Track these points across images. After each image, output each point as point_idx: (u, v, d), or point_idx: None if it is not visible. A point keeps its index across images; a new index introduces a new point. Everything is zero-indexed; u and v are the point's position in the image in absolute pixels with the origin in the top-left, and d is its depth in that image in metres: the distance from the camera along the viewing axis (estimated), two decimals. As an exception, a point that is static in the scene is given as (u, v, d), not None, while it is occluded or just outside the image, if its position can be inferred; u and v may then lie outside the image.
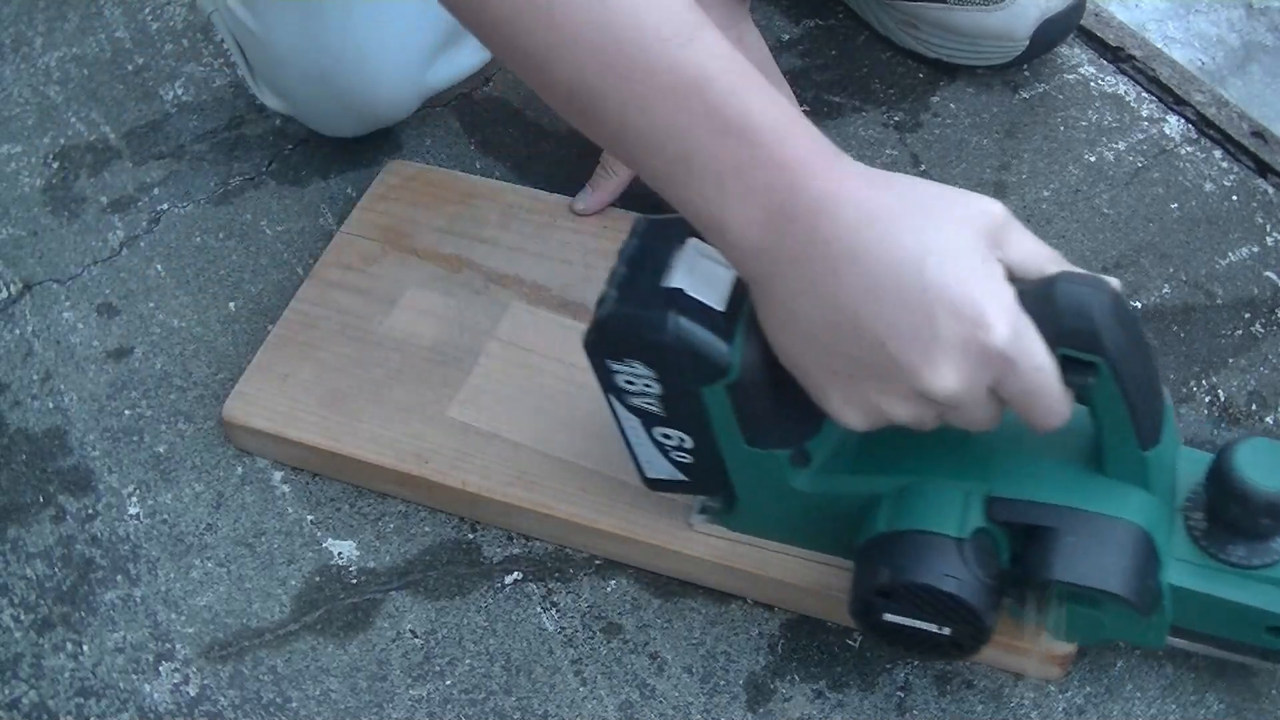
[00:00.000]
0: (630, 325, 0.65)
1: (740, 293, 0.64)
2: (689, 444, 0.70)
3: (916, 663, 0.75)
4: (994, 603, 0.66)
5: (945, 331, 0.57)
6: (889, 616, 0.67)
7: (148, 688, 0.76)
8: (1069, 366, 0.60)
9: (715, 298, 0.64)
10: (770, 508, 0.72)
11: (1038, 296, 0.59)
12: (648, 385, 0.67)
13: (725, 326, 0.64)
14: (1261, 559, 0.66)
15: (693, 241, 0.65)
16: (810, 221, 0.58)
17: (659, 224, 0.67)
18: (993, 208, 0.61)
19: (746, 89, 0.59)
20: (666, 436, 0.70)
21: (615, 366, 0.67)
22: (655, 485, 0.74)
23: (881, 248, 0.58)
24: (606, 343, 0.66)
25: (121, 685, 0.76)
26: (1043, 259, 0.61)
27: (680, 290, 0.64)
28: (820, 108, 1.04)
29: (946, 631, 0.67)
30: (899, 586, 0.65)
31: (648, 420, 0.69)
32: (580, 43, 0.59)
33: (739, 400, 0.66)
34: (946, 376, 0.58)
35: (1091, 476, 0.65)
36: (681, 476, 0.72)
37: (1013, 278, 0.60)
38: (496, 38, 0.62)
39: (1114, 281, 0.61)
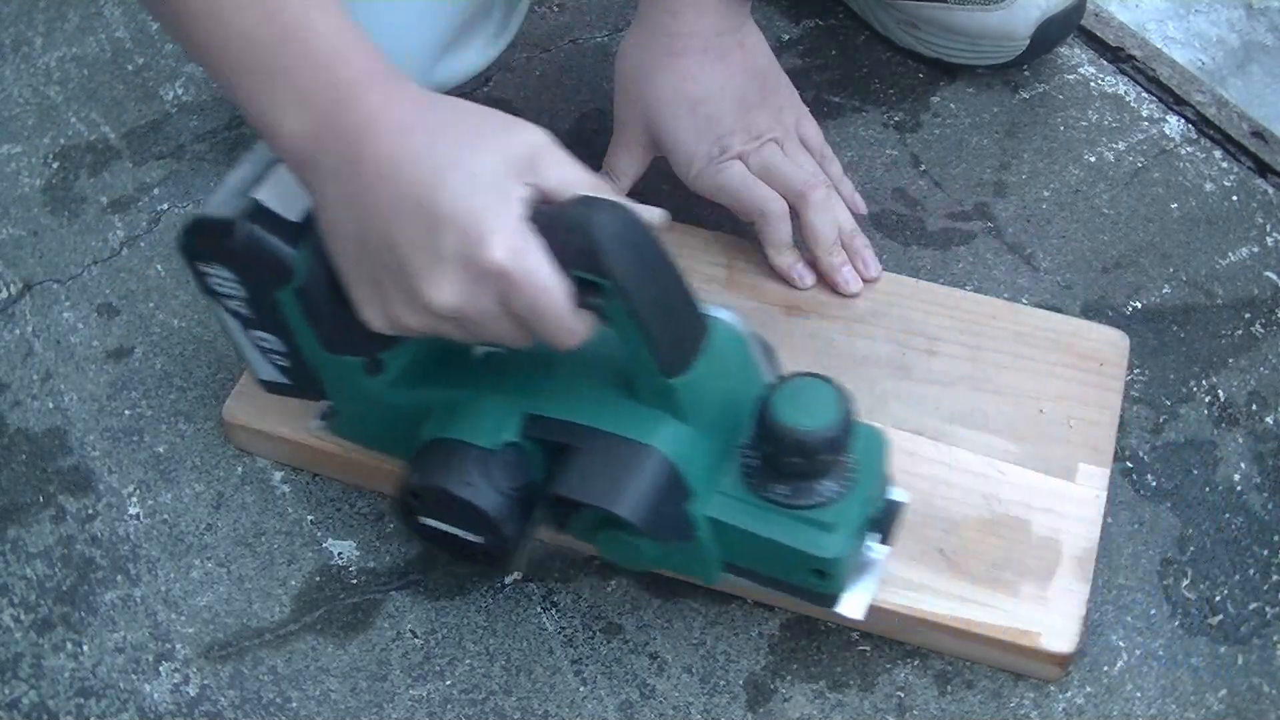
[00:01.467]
0: (209, 229, 0.69)
1: None
2: (281, 347, 0.73)
3: (915, 662, 0.75)
4: (515, 514, 0.68)
5: (447, 247, 0.60)
6: (425, 520, 0.70)
7: (148, 688, 0.76)
8: (583, 289, 0.61)
9: (293, 211, 0.67)
10: (361, 415, 0.76)
11: (551, 218, 0.61)
12: (234, 288, 0.70)
13: (294, 235, 0.67)
14: (806, 500, 0.66)
15: None
16: (354, 138, 0.61)
17: None
18: (532, 136, 0.63)
19: (314, 7, 0.63)
20: (263, 340, 0.73)
21: (204, 269, 0.70)
22: (268, 388, 0.77)
23: (410, 165, 0.61)
24: (192, 245, 0.70)
25: (121, 685, 0.76)
26: (576, 186, 0.63)
27: (259, 201, 0.68)
28: (820, 108, 1.04)
29: (477, 539, 0.69)
30: (424, 489, 0.68)
31: (243, 323, 0.72)
32: None
33: (309, 305, 0.69)
34: (444, 289, 0.61)
35: (623, 401, 0.67)
36: (285, 380, 0.75)
37: (547, 203, 0.62)
38: None
39: (653, 212, 0.64)
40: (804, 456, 0.65)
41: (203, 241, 0.69)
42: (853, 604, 0.69)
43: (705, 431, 0.67)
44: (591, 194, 0.63)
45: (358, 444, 0.79)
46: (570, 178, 0.63)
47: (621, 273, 0.61)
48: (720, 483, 0.67)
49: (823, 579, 0.67)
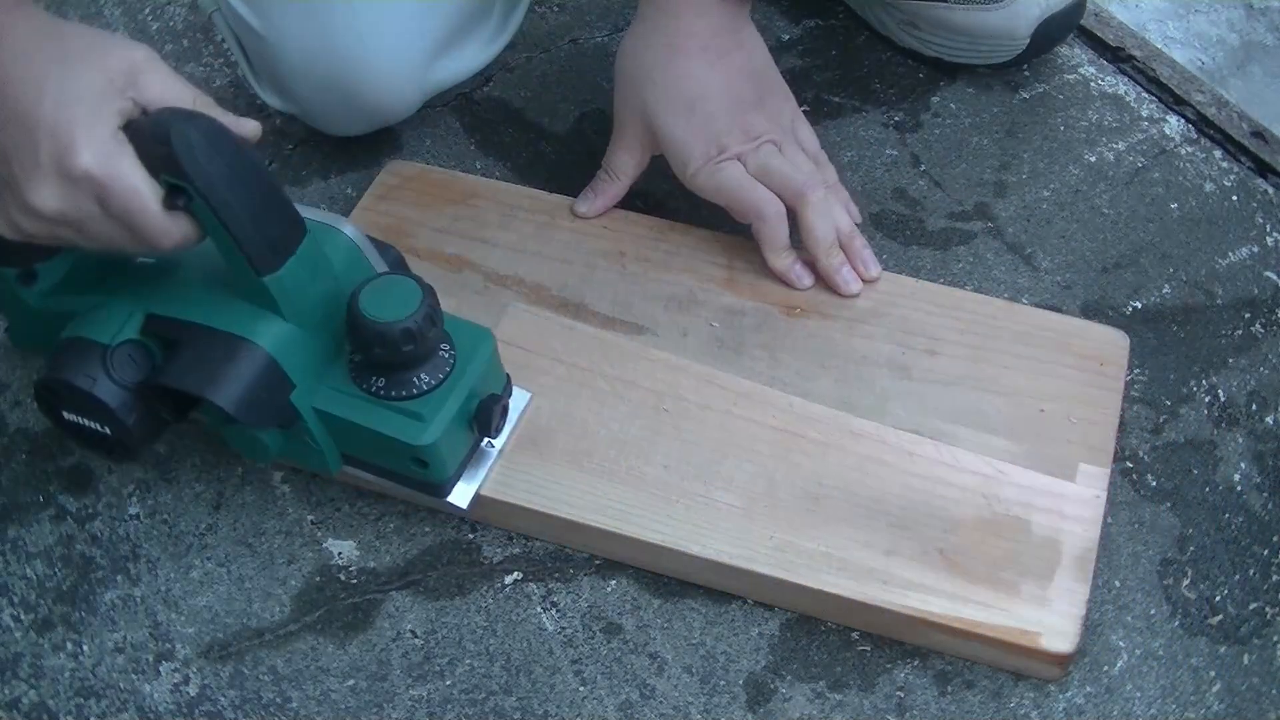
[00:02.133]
0: None
1: None
2: None
3: (915, 662, 0.75)
4: (133, 405, 0.72)
5: (43, 155, 0.65)
6: (66, 414, 0.74)
7: (148, 688, 0.76)
8: (173, 193, 0.67)
9: None
10: (24, 323, 0.80)
11: (141, 128, 0.66)
12: None
13: None
14: (400, 391, 0.72)
15: None
16: None
17: None
18: (132, 53, 0.68)
19: None
20: None
21: None
22: None
23: (19, 84, 0.65)
24: None
25: (121, 685, 0.76)
26: (174, 100, 0.68)
27: None
28: (820, 108, 1.04)
29: (107, 430, 0.73)
30: (52, 382, 0.73)
31: None
32: None
33: None
34: (43, 194, 0.66)
35: (228, 299, 0.72)
36: None
37: (146, 115, 0.67)
38: None
39: (240, 123, 0.70)
40: (385, 348, 0.70)
41: None
42: (461, 493, 0.76)
43: (310, 329, 0.72)
44: (184, 106, 0.67)
45: (32, 350, 0.84)
46: (167, 92, 0.68)
47: (201, 177, 0.66)
48: (328, 376, 0.73)
49: (424, 467, 0.73)
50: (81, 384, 0.71)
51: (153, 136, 0.66)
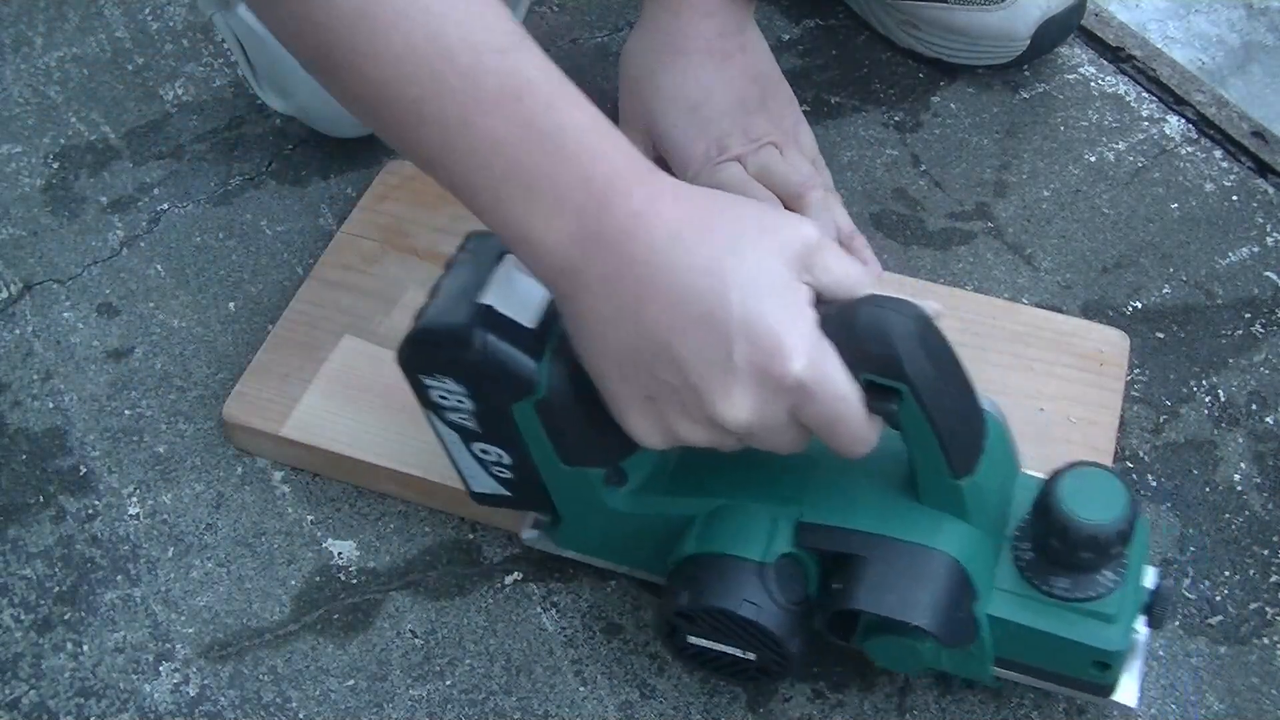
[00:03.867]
0: (438, 340, 0.64)
1: (553, 310, 0.64)
2: (507, 460, 0.69)
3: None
4: (797, 629, 0.65)
5: (741, 360, 0.57)
6: (693, 639, 0.67)
7: (148, 688, 0.76)
8: (874, 392, 0.59)
9: (527, 316, 0.63)
10: (591, 526, 0.72)
11: (841, 321, 0.58)
12: (460, 401, 0.66)
13: (534, 344, 0.63)
14: (1085, 592, 0.64)
15: (510, 258, 0.65)
16: (618, 242, 0.57)
17: (487, 238, 0.66)
18: (805, 230, 0.59)
19: (564, 101, 0.58)
20: (485, 452, 0.69)
21: (429, 382, 0.66)
22: (482, 500, 0.73)
23: (686, 272, 0.57)
24: (417, 357, 0.65)
25: (121, 685, 0.76)
26: (854, 283, 0.60)
27: (490, 307, 0.63)
28: (820, 108, 1.04)
29: (752, 656, 0.66)
30: (698, 610, 0.65)
31: (466, 436, 0.68)
32: (397, 48, 0.57)
33: (549, 418, 0.65)
34: (740, 406, 0.58)
35: (905, 504, 0.64)
36: (505, 492, 0.71)
37: (824, 301, 0.59)
38: (305, 39, 0.60)
39: (929, 305, 0.61)
40: (1095, 551, 0.62)
41: (430, 353, 0.64)
42: (1128, 690, 0.68)
43: (986, 529, 0.65)
44: (879, 292, 0.60)
45: (584, 553, 0.76)
46: (846, 274, 0.60)
47: (919, 377, 0.58)
48: (996, 578, 0.65)
49: (1104, 671, 0.65)
50: (743, 611, 0.63)
51: (865, 334, 0.58)
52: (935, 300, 0.63)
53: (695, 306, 0.57)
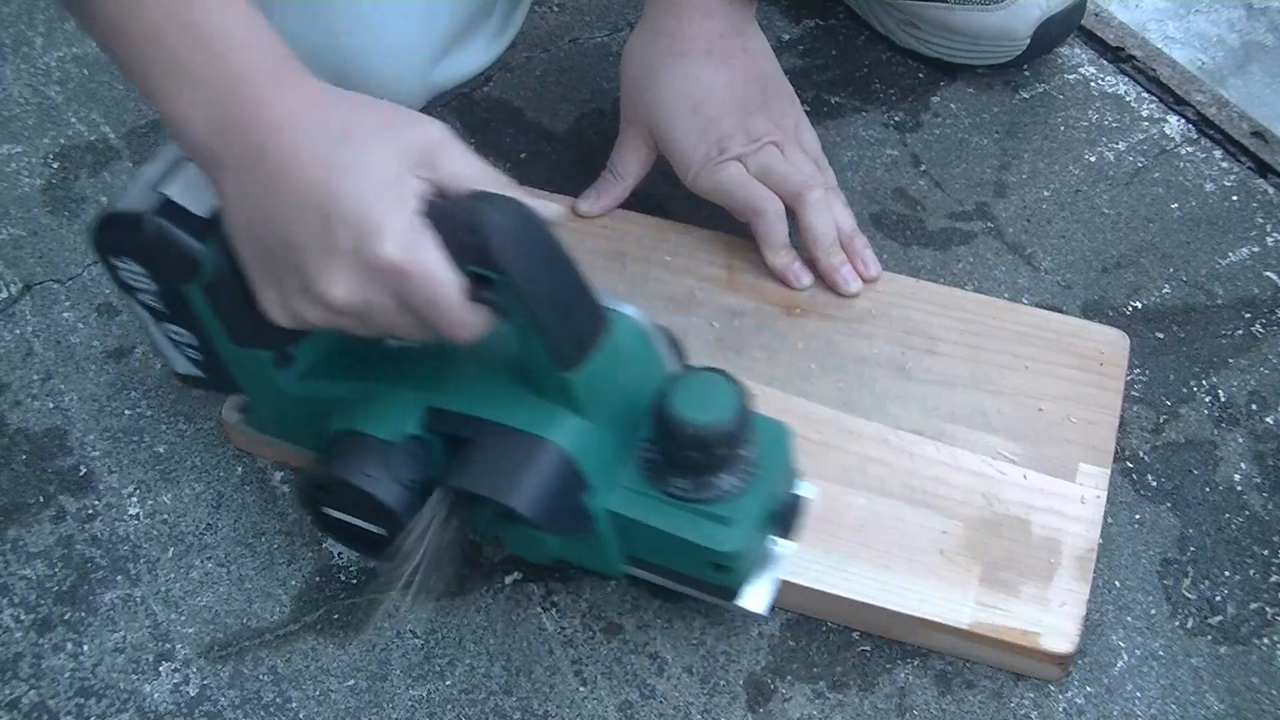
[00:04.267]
0: (117, 223, 0.69)
1: None
2: (193, 341, 0.73)
3: (915, 662, 0.75)
4: (415, 506, 0.68)
5: (343, 243, 0.61)
6: (329, 510, 0.71)
7: (148, 688, 0.76)
8: (477, 283, 0.62)
9: (201, 207, 0.67)
10: (270, 408, 0.76)
11: (446, 213, 0.61)
12: (145, 283, 0.71)
13: (202, 230, 0.67)
14: (705, 494, 0.66)
15: None
16: (255, 135, 0.62)
17: None
18: (429, 130, 0.63)
19: None
20: (176, 334, 0.73)
21: (116, 263, 0.71)
22: (185, 381, 0.78)
23: (309, 164, 0.61)
24: (102, 239, 0.70)
25: (121, 685, 0.76)
26: (472, 179, 0.63)
27: (167, 195, 0.67)
28: (820, 108, 1.04)
29: (382, 531, 0.69)
30: (327, 481, 0.69)
31: (156, 316, 0.73)
32: None
33: (215, 299, 0.69)
34: (339, 285, 0.61)
35: (522, 394, 0.67)
36: (200, 373, 0.76)
37: (443, 196, 0.63)
38: None
39: (548, 207, 0.64)
40: (700, 450, 0.65)
41: (113, 236, 0.69)
42: (754, 598, 0.70)
43: (605, 425, 0.67)
44: (486, 189, 0.63)
45: (273, 437, 0.80)
46: (466, 172, 0.64)
47: (513, 268, 0.61)
48: (621, 476, 0.68)
49: (722, 573, 0.68)
50: (363, 484, 0.67)
51: (460, 224, 0.61)
52: (578, 201, 0.69)
53: (309, 194, 0.61)
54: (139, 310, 0.73)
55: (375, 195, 0.61)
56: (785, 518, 0.69)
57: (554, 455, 0.66)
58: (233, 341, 0.71)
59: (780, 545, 0.70)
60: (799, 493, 0.70)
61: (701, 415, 0.64)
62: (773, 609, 0.77)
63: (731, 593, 0.69)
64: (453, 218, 0.61)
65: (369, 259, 0.60)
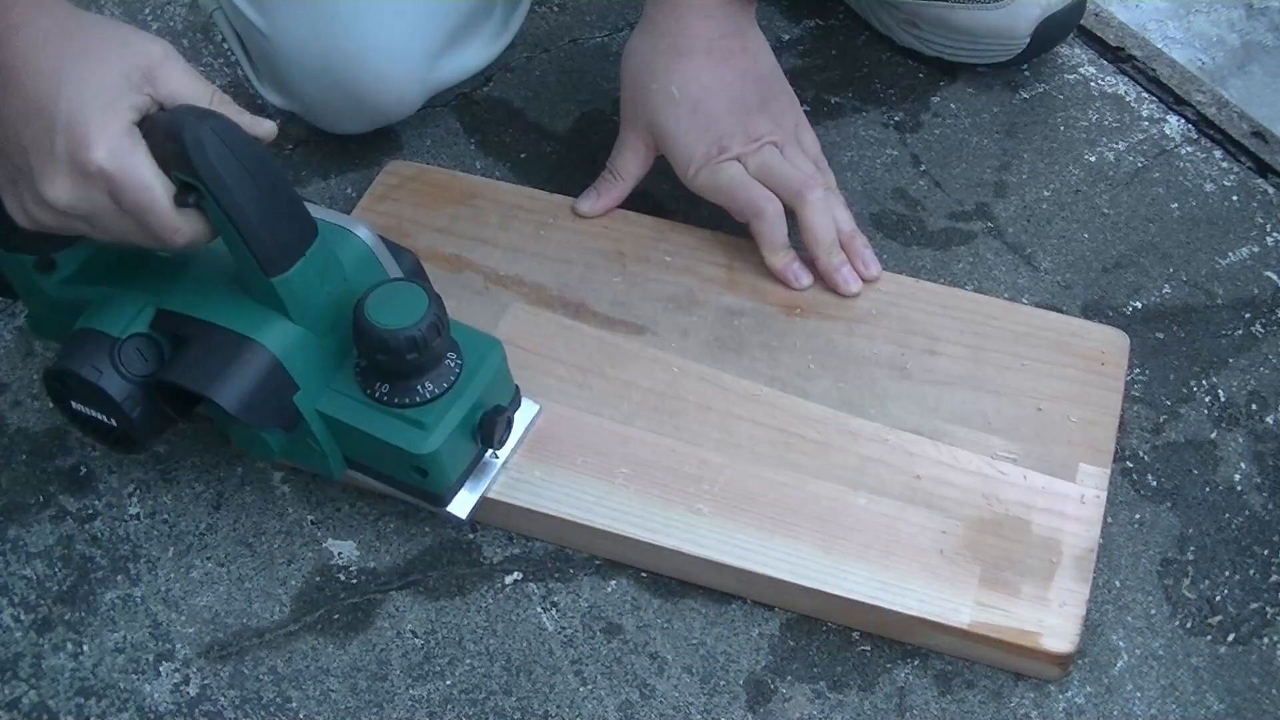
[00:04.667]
0: None
1: None
2: None
3: (915, 662, 0.75)
4: (139, 398, 0.72)
5: (60, 150, 0.66)
6: (74, 405, 0.74)
7: (148, 688, 0.76)
8: (186, 190, 0.67)
9: None
10: (42, 311, 0.80)
11: (154, 125, 0.67)
12: None
13: None
14: (404, 398, 0.72)
15: None
16: None
17: None
18: (150, 47, 0.68)
19: None
20: None
21: None
22: None
23: (37, 75, 0.66)
24: None
25: (121, 685, 0.76)
26: (190, 95, 0.68)
27: None
28: (820, 108, 1.04)
29: (113, 422, 0.74)
30: (59, 372, 0.73)
31: None
32: None
33: None
34: (59, 188, 0.66)
35: (239, 299, 0.72)
36: None
37: (163, 110, 0.68)
38: None
39: (257, 123, 0.70)
40: (390, 355, 0.70)
41: None
42: (461, 503, 0.76)
43: (318, 332, 0.72)
44: (202, 104, 0.68)
45: (49, 340, 0.83)
46: (184, 89, 0.68)
47: (211, 176, 0.66)
48: (334, 380, 0.73)
49: (424, 476, 0.73)
50: (89, 376, 0.71)
51: (165, 133, 0.66)
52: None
53: (34, 102, 0.66)
54: None
55: (91, 106, 0.65)
56: (491, 428, 0.74)
57: (259, 354, 0.71)
58: (0, 246, 0.76)
59: (492, 456, 0.76)
60: (505, 405, 0.75)
61: (391, 321, 0.69)
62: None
63: (438, 498, 0.75)
64: (159, 128, 0.66)
65: (81, 164, 0.65)
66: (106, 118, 0.66)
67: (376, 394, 0.72)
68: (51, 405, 0.76)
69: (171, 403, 0.73)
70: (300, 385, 0.72)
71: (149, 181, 0.66)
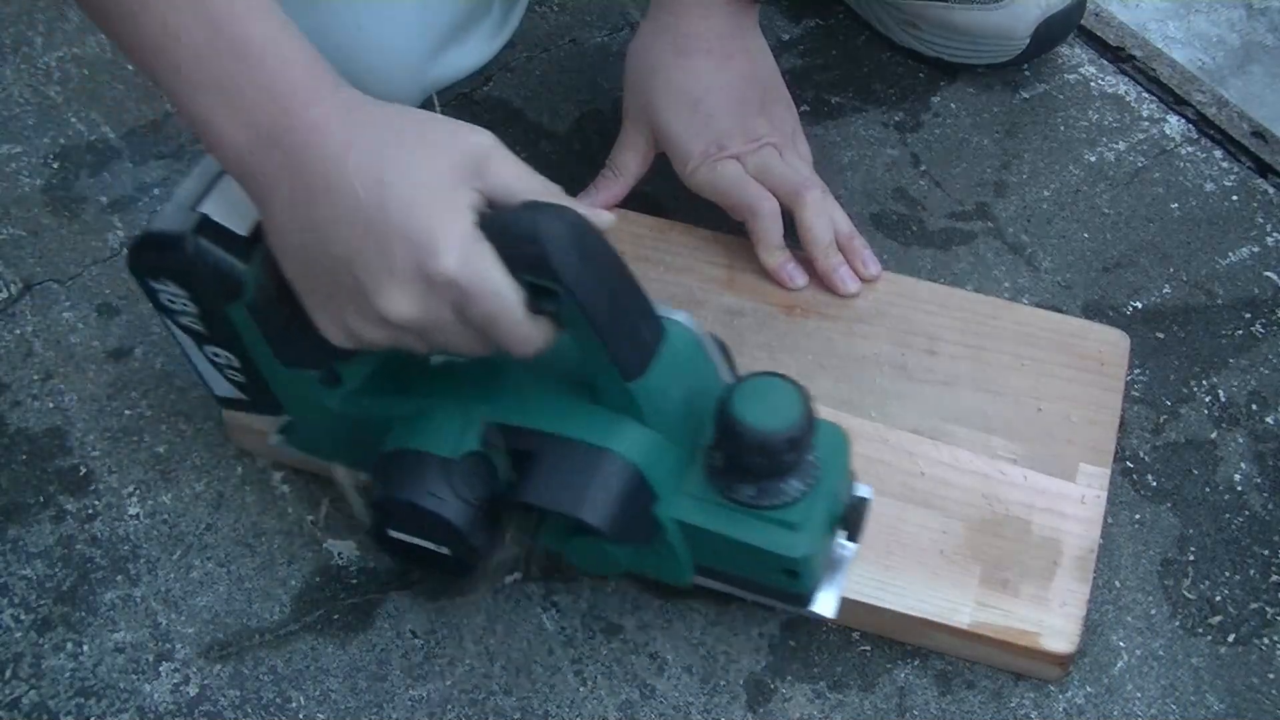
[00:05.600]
0: (156, 244, 0.67)
1: None
2: (236, 363, 0.71)
3: (915, 662, 0.75)
4: (482, 523, 0.67)
5: (399, 259, 0.59)
6: (393, 532, 0.69)
7: (148, 688, 0.76)
8: (536, 295, 0.61)
9: (241, 225, 0.66)
10: (317, 427, 0.74)
11: (500, 224, 0.60)
12: (185, 305, 0.69)
13: (244, 249, 0.66)
14: (772, 499, 0.66)
15: None
16: (295, 150, 0.60)
17: None
18: (477, 139, 0.62)
19: (251, 7, 0.61)
20: (216, 355, 0.72)
21: (155, 285, 0.69)
22: (226, 404, 0.76)
23: (355, 176, 0.59)
24: (140, 261, 0.68)
25: (121, 685, 0.76)
26: (524, 190, 0.62)
27: (206, 215, 0.66)
28: (820, 108, 1.04)
29: (445, 551, 0.68)
30: (391, 502, 0.67)
31: (197, 339, 0.71)
32: None
33: (261, 320, 0.68)
34: (400, 302, 0.60)
35: (584, 406, 0.66)
36: (242, 395, 0.74)
37: (494, 207, 0.61)
38: None
39: (601, 216, 0.64)
40: (767, 456, 0.64)
41: (151, 257, 0.68)
42: (825, 602, 0.69)
43: (668, 433, 0.67)
44: (539, 198, 0.62)
45: (318, 457, 0.77)
46: (517, 182, 0.62)
47: (573, 278, 0.60)
48: (686, 484, 0.67)
49: (793, 579, 0.67)
50: (429, 505, 0.66)
51: (515, 234, 0.60)
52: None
53: (360, 210, 0.59)
54: (178, 333, 0.71)
55: (430, 207, 0.59)
56: (849, 519, 0.69)
57: (621, 466, 0.65)
58: (279, 362, 0.69)
59: (845, 547, 0.70)
60: (860, 494, 0.70)
61: (768, 421, 0.63)
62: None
63: (803, 598, 0.69)
64: (509, 229, 0.60)
65: (429, 274, 0.59)
66: (451, 220, 0.59)
67: (739, 496, 0.66)
68: (372, 537, 0.71)
69: (517, 523, 0.68)
70: (659, 494, 0.66)
71: (502, 289, 0.60)
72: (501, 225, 0.60)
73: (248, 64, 0.60)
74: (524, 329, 0.61)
